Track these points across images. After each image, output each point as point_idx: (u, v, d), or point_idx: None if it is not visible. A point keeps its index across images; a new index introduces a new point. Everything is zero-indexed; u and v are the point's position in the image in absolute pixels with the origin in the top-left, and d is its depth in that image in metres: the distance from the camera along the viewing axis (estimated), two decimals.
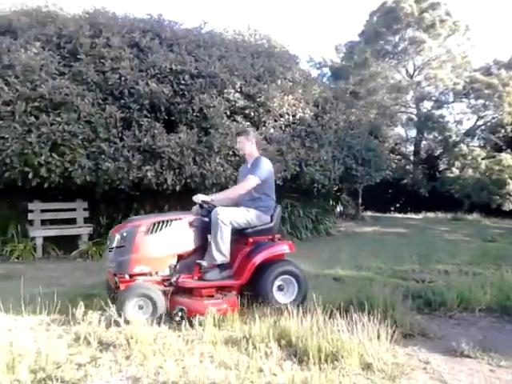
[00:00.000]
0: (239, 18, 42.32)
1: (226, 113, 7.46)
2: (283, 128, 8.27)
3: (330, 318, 3.48)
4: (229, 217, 4.22)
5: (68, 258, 6.70)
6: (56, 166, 6.43)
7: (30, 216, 6.99)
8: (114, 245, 4.17)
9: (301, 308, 3.74)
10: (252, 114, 7.75)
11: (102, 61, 7.27)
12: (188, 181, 7.00)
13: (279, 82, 8.46)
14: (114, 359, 3.12)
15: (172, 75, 7.42)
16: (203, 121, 7.37)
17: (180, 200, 7.21)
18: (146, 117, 7.03)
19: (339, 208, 13.13)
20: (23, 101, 6.53)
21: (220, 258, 4.21)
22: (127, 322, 3.58)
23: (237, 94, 7.72)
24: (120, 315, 3.66)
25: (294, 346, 3.27)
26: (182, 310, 3.92)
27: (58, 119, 6.50)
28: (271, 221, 4.55)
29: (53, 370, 2.87)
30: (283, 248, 4.53)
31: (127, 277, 4.03)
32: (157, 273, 4.17)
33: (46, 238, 6.83)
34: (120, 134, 6.84)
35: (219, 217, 4.16)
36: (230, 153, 7.22)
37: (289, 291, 4.41)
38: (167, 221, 4.19)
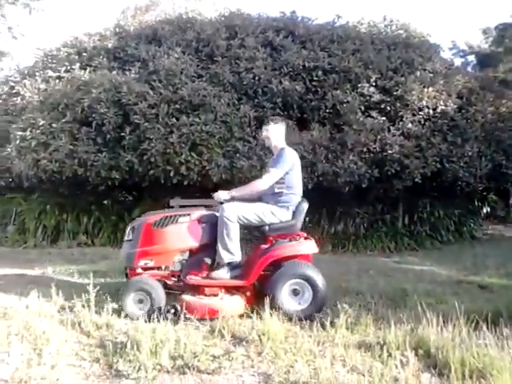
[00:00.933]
0: (374, 10, 40.90)
1: (360, 108, 7.18)
2: (422, 122, 7.71)
3: (474, 329, 3.14)
4: (236, 213, 3.98)
5: None
6: (195, 164, 6.74)
7: None
8: (125, 238, 4.30)
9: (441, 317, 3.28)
10: (388, 108, 7.36)
11: (237, 62, 7.47)
12: (320, 179, 6.86)
13: (418, 73, 7.91)
14: (247, 354, 3.15)
15: (305, 72, 7.35)
16: (336, 117, 7.18)
17: (311, 198, 7.12)
18: (279, 115, 7.05)
19: (486, 209, 11.96)
20: (166, 103, 6.96)
21: (227, 257, 4.00)
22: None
23: (372, 89, 7.39)
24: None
25: (432, 357, 2.98)
26: (174, 307, 3.84)
27: (197, 120, 6.81)
28: (293, 218, 4.16)
29: (190, 359, 2.97)
30: (300, 249, 4.11)
31: (136, 270, 4.11)
32: (167, 267, 4.15)
33: None
34: (253, 133, 6.95)
35: (225, 213, 3.94)
36: (365, 150, 6.92)
37: (303, 297, 3.97)
38: (174, 216, 4.11)
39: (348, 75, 7.38)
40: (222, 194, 4.14)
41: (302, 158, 6.66)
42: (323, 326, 3.51)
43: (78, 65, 7.89)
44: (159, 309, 3.84)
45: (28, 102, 7.81)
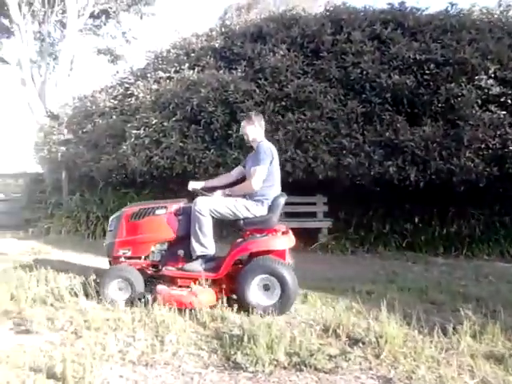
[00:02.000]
0: None
1: (476, 102, 6.69)
2: None
3: None
4: (208, 207, 4.08)
5: (308, 251, 6.90)
6: (300, 161, 6.70)
7: None
8: (108, 229, 4.58)
9: None
10: (509, 101, 6.78)
11: (343, 57, 7.30)
12: (433, 177, 6.50)
13: None
14: (364, 356, 3.08)
15: (415, 65, 6.99)
16: (450, 112, 6.75)
17: (421, 197, 6.83)
18: (388, 110, 6.78)
19: None
20: (271, 101, 7.00)
21: (200, 250, 4.12)
22: None
23: (490, 81, 6.84)
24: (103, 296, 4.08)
25: None
26: (144, 296, 3.99)
27: (302, 117, 6.77)
28: (268, 212, 4.16)
29: (306, 357, 2.97)
30: (270, 244, 4.08)
31: (117, 259, 4.36)
32: (146, 257, 4.37)
33: None
34: (361, 130, 6.75)
35: (196, 207, 4.08)
36: (483, 146, 6.44)
37: (274, 293, 3.95)
38: (151, 208, 4.31)
39: (463, 67, 6.89)
40: (193, 184, 4.45)
41: (412, 154, 6.48)
42: (444, 332, 3.34)
43: (186, 65, 8.19)
44: (137, 296, 4.05)
45: (141, 102, 8.25)
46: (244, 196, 4.22)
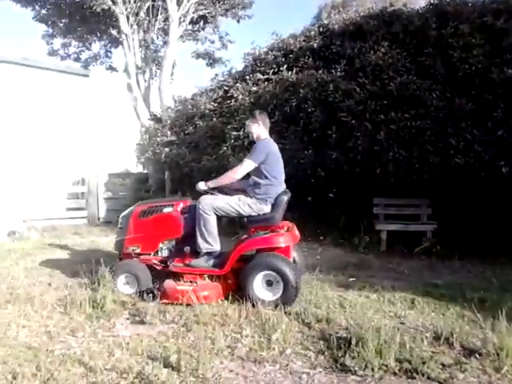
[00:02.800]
0: None
1: None
2: None
3: None
4: (211, 205, 4.23)
5: (411, 254, 6.64)
6: (403, 162, 6.47)
7: (375, 210, 7.26)
8: (118, 226, 4.80)
9: None
10: None
11: (449, 52, 6.93)
12: None
13: None
14: (482, 368, 2.92)
15: None
16: None
17: None
18: (500, 107, 6.33)
19: None
20: (373, 100, 6.81)
21: (205, 247, 4.26)
22: None
23: None
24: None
25: None
26: (151, 291, 4.22)
27: (406, 115, 6.51)
28: (272, 210, 4.29)
29: (418, 364, 2.89)
30: (273, 241, 4.21)
31: (126, 255, 4.58)
32: (155, 254, 4.58)
33: (389, 232, 6.97)
34: (470, 128, 6.36)
35: (200, 206, 4.22)
36: None
37: (276, 289, 4.09)
38: (159, 206, 4.57)
39: None
40: (200, 185, 4.46)
41: None
42: None
43: (285, 66, 8.24)
44: (142, 291, 4.27)
45: (240, 103, 8.43)
46: (248, 194, 4.36)
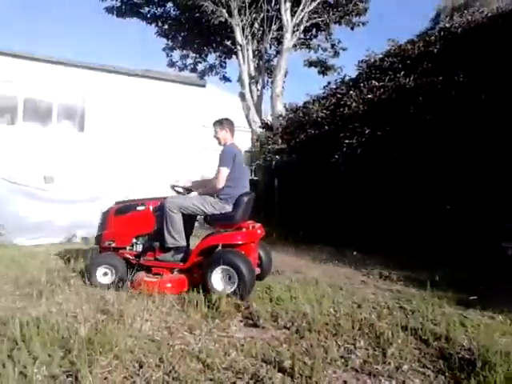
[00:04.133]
0: None
1: None
2: None
3: None
4: (177, 204, 4.63)
5: None
6: None
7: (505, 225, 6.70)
8: (99, 222, 5.15)
9: None
10: None
11: None
12: None
13: None
14: None
15: None
16: None
17: None
18: None
19: None
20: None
21: (171, 242, 4.65)
22: None
23: None
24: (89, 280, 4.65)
25: None
26: (122, 280, 4.61)
27: None
28: (233, 209, 4.67)
29: None
30: (230, 239, 4.66)
31: (105, 248, 4.94)
32: (130, 248, 4.92)
33: None
34: None
35: (167, 205, 4.61)
36: None
37: (230, 282, 4.46)
38: (133, 205, 4.96)
39: None
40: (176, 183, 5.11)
41: None
42: None
43: (402, 73, 7.96)
44: (118, 281, 4.56)
45: (354, 111, 8.30)
46: (212, 195, 4.74)
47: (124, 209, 4.99)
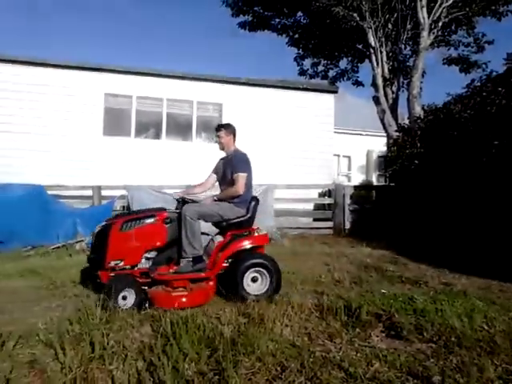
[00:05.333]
0: None
1: None
2: None
3: None
4: (197, 212, 4.52)
5: None
6: None
7: None
8: (91, 244, 4.78)
9: None
10: None
11: None
12: None
13: None
14: None
15: None
16: None
17: None
18: None
19: None
20: None
21: (191, 252, 4.47)
22: None
23: None
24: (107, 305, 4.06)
25: None
26: (145, 300, 4.26)
27: None
28: (247, 213, 4.75)
29: None
30: (256, 241, 4.77)
31: (108, 271, 4.43)
32: (136, 265, 4.54)
33: None
34: None
35: (187, 213, 4.46)
36: None
37: (262, 284, 4.58)
38: (140, 218, 4.57)
39: None
40: (208, 200, 4.88)
41: None
42: None
43: None
44: (139, 302, 4.20)
45: (503, 111, 7.57)
46: (226, 200, 4.78)
47: (130, 224, 4.56)
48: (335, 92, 13.66)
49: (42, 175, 10.04)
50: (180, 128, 12.55)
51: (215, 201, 4.86)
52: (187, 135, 12.47)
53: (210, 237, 5.11)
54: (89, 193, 10.11)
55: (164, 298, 4.36)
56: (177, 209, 4.81)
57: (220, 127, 5.12)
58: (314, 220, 11.82)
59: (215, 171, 5.28)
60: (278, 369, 3.10)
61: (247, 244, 4.76)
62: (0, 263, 6.85)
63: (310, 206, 12.25)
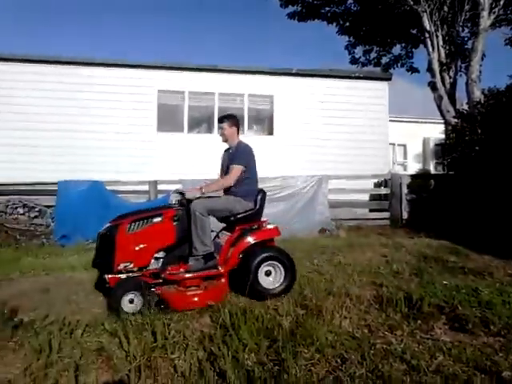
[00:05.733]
0: None
1: None
2: None
3: None
4: (206, 208, 4.35)
5: None
6: None
7: None
8: (96, 246, 4.44)
9: None
10: None
11: None
12: None
13: None
14: None
15: None
16: None
17: None
18: None
19: None
20: None
21: (202, 249, 4.34)
22: None
23: None
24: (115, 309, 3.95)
25: None
26: (158, 301, 4.02)
27: None
28: (255, 206, 4.61)
29: None
30: (268, 234, 4.67)
31: (116, 274, 4.20)
32: (145, 267, 4.31)
33: None
34: None
35: (196, 209, 4.29)
36: None
37: (276, 277, 4.50)
38: (147, 217, 4.34)
39: None
40: (194, 193, 4.47)
41: None
42: None
43: None
44: (149, 304, 3.95)
45: None
46: (230, 194, 4.62)
47: (137, 224, 4.35)
48: (389, 79, 13.25)
49: (101, 171, 10.37)
50: None
51: (201, 190, 4.50)
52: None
53: (215, 233, 4.94)
54: (145, 188, 10.37)
55: (178, 299, 4.21)
56: (181, 205, 4.57)
57: (223, 118, 4.89)
58: (370, 211, 11.60)
59: (221, 164, 5.10)
60: (338, 360, 3.06)
61: (259, 238, 4.62)
62: (65, 256, 7.15)
63: (365, 197, 12.00)
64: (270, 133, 12.45)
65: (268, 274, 4.51)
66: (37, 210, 9.18)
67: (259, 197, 4.71)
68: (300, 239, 8.21)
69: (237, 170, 4.59)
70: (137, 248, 4.27)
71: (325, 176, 10.46)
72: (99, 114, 11.43)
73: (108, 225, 4.48)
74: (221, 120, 4.90)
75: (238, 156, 4.66)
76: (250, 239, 4.57)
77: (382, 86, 12.96)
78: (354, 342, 3.33)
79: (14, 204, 8.57)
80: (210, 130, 12.46)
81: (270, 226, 4.80)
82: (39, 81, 11.11)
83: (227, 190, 4.71)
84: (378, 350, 3.20)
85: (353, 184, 10.95)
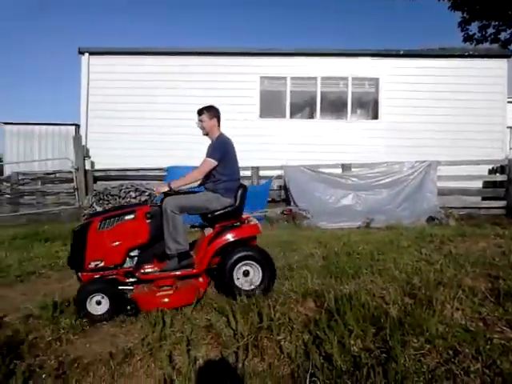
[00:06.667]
0: None
1: None
2: None
3: None
4: (178, 205, 4.11)
5: None
6: None
7: None
8: (70, 243, 4.19)
9: None
10: None
11: None
12: None
13: None
14: None
15: None
16: None
17: None
18: None
19: None
20: None
21: (175, 247, 4.12)
22: None
23: None
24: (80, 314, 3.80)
25: None
26: (130, 303, 3.89)
27: None
28: (235, 202, 4.32)
29: None
30: (246, 232, 4.33)
31: (88, 273, 4.04)
32: (119, 265, 4.13)
33: None
34: None
35: (168, 206, 4.08)
36: None
37: (254, 277, 4.22)
38: (119, 214, 4.14)
39: None
40: (161, 188, 4.18)
41: None
42: None
43: None
44: (117, 307, 3.82)
45: None
46: (208, 190, 4.36)
47: (108, 221, 4.13)
48: (508, 57, 12.14)
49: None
50: (334, 106, 12.37)
51: (169, 186, 4.23)
52: (342, 113, 12.24)
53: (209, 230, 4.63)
54: (248, 173, 10.56)
55: (147, 299, 4.00)
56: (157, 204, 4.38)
57: (202, 110, 4.54)
58: (483, 199, 10.80)
59: None
60: (450, 352, 2.88)
61: (237, 236, 4.29)
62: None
63: (478, 184, 11.19)
64: (375, 117, 12.04)
65: (246, 273, 4.26)
66: (147, 194, 9.78)
67: (239, 192, 4.41)
68: (406, 227, 7.84)
69: (207, 163, 4.28)
70: (108, 246, 4.07)
71: (434, 162, 9.91)
72: (206, 103, 11.81)
73: (82, 223, 4.37)
74: (200, 112, 4.55)
75: (213, 149, 4.35)
76: (227, 237, 4.27)
77: (499, 65, 11.91)
78: (467, 335, 3.10)
79: (126, 188, 9.13)
80: (311, 115, 12.34)
81: (252, 223, 4.48)
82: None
83: (207, 187, 4.48)
84: (496, 346, 2.95)
85: (464, 170, 10.26)
